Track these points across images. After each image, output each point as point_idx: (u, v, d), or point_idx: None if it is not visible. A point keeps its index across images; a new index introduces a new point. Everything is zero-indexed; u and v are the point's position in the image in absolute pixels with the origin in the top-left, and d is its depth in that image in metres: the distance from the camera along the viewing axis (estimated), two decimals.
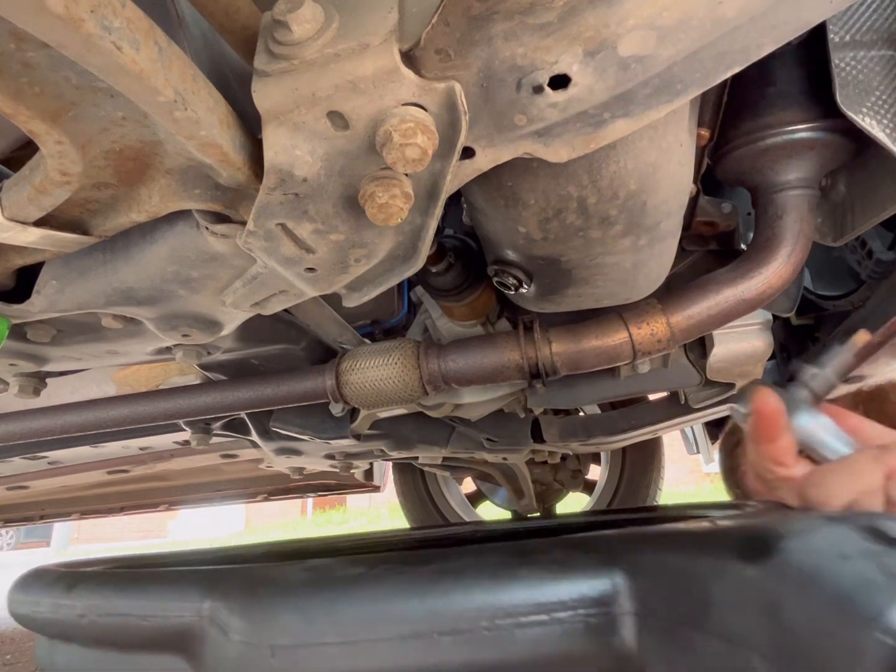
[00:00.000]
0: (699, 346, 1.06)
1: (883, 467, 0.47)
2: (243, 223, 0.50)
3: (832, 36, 0.65)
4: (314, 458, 1.52)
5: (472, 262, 0.86)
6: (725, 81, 0.65)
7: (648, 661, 0.49)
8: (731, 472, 1.85)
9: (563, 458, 2.16)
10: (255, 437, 1.31)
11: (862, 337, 0.57)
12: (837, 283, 1.10)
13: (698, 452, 2.43)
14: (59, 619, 0.67)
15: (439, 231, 0.93)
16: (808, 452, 0.56)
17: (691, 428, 2.41)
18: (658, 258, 0.73)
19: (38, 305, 0.63)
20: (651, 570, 0.52)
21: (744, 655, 0.43)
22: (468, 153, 0.48)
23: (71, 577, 0.69)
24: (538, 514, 2.21)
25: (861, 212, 0.77)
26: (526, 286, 0.73)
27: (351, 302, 0.63)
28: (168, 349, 0.82)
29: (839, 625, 0.38)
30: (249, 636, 0.56)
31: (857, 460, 0.49)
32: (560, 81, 0.44)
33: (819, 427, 0.55)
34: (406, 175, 0.45)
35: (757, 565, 0.44)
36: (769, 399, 0.54)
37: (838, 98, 0.64)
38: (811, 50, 0.69)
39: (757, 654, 0.42)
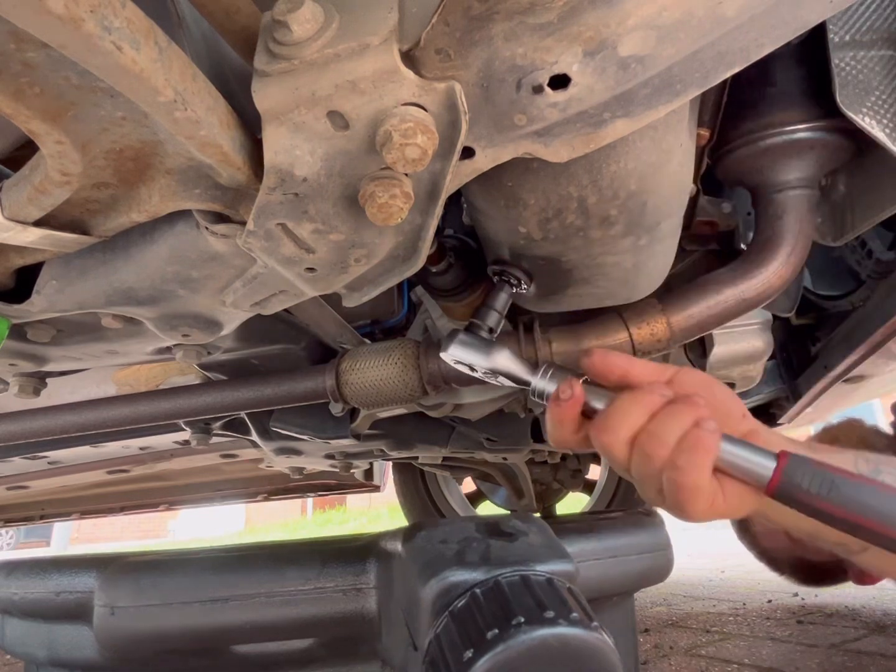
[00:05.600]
0: (699, 346, 1.06)
1: (643, 407, 0.53)
2: (243, 223, 0.50)
3: (832, 36, 0.65)
4: (314, 457, 1.52)
5: (472, 262, 0.86)
6: (725, 81, 0.65)
7: (382, 618, 0.77)
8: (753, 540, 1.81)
9: (564, 457, 2.16)
10: (255, 436, 1.31)
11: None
12: (837, 283, 1.10)
13: None
14: (2, 598, 0.89)
15: (439, 231, 0.93)
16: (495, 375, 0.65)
17: None
18: (658, 258, 0.73)
19: (38, 305, 0.63)
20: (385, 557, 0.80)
21: (393, 593, 0.75)
22: (468, 153, 0.48)
23: (9, 566, 0.92)
24: (537, 513, 2.21)
25: (861, 212, 0.76)
26: (526, 286, 0.73)
27: (351, 302, 0.63)
28: (168, 349, 0.82)
29: (418, 578, 0.67)
30: (102, 601, 0.78)
31: (621, 404, 0.54)
32: (560, 81, 0.44)
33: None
34: (406, 175, 0.45)
35: (403, 546, 0.74)
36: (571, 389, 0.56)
37: (838, 98, 0.64)
38: (811, 50, 0.69)
39: (399, 595, 0.73)
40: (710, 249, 0.93)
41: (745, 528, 1.76)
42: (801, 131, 0.71)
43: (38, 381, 0.88)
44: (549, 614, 0.56)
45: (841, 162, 0.75)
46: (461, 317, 0.94)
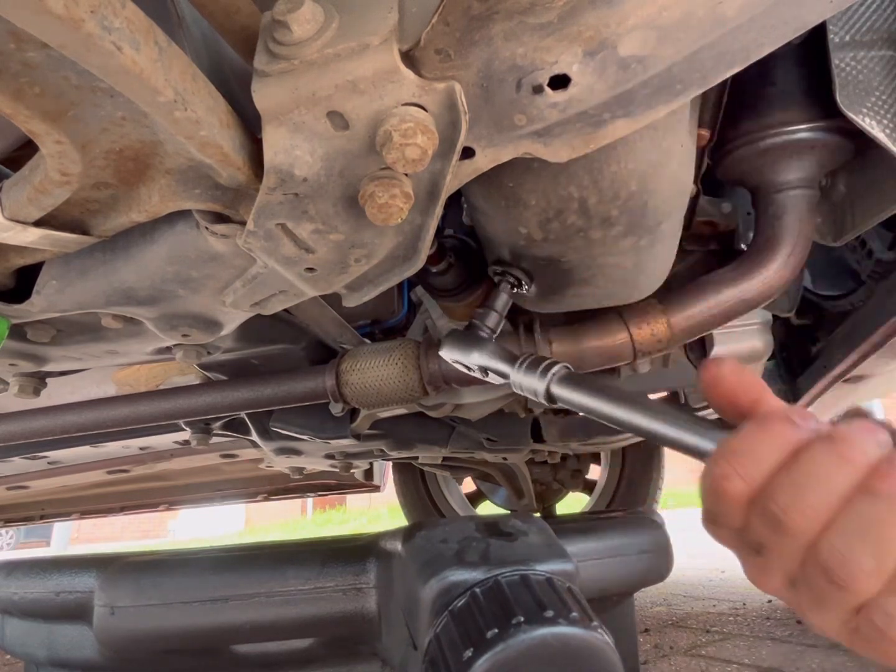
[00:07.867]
0: (699, 346, 1.06)
1: (781, 439, 0.35)
2: (243, 223, 0.50)
3: (832, 36, 0.65)
4: (314, 457, 1.52)
5: (472, 262, 0.86)
6: (725, 81, 0.65)
7: (382, 618, 0.77)
8: None
9: (563, 457, 2.16)
10: (254, 437, 1.31)
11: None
12: (837, 283, 1.10)
13: None
14: (2, 598, 0.90)
15: (439, 231, 0.93)
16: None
17: None
18: (659, 258, 0.73)
19: (38, 305, 0.63)
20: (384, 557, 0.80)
21: (393, 593, 0.75)
22: (468, 153, 0.48)
23: (9, 566, 0.93)
24: (537, 513, 2.21)
25: (861, 212, 0.76)
26: (527, 286, 0.73)
27: (351, 302, 0.63)
28: (168, 349, 0.82)
29: (418, 578, 0.67)
30: (102, 601, 0.79)
31: (748, 432, 0.37)
32: (560, 81, 0.44)
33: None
34: (406, 175, 0.45)
35: (403, 546, 0.74)
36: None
37: (838, 98, 0.64)
38: (811, 50, 0.69)
39: (399, 594, 0.74)
40: (710, 249, 0.93)
41: None
42: (801, 131, 0.71)
43: (38, 381, 0.88)
44: (549, 614, 0.56)
45: (841, 162, 0.75)
46: (461, 317, 0.94)
